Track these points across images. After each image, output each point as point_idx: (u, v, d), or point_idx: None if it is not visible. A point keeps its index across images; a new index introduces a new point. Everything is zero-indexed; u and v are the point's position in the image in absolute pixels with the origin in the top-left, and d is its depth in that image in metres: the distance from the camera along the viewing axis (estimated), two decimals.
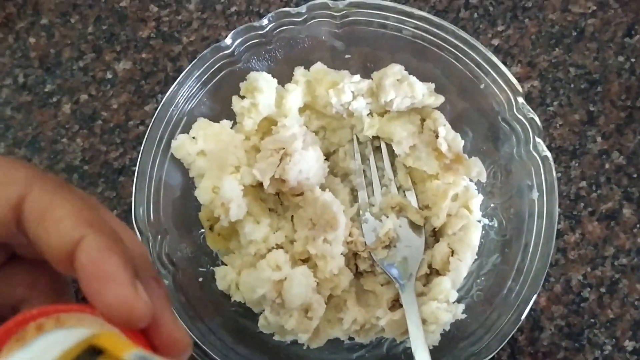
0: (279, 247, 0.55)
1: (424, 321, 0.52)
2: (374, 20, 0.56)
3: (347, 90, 0.56)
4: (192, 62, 0.55)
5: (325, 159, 0.57)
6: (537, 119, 0.53)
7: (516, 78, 0.54)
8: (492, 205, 0.57)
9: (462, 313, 0.53)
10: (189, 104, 0.56)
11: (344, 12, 0.55)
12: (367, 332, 0.55)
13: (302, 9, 0.55)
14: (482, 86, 0.55)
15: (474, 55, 0.54)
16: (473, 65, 0.55)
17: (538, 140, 0.52)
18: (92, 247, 0.24)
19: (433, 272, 0.56)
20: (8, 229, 0.25)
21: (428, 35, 0.55)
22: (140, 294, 0.24)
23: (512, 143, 0.54)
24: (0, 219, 0.25)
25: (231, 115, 0.57)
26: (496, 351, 0.50)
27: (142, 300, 0.24)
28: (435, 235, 0.58)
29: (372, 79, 0.57)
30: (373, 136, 0.58)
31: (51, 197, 0.25)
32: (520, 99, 0.53)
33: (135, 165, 0.54)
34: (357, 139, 0.59)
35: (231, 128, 0.57)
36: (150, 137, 0.54)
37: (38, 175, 0.26)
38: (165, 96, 0.55)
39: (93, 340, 0.22)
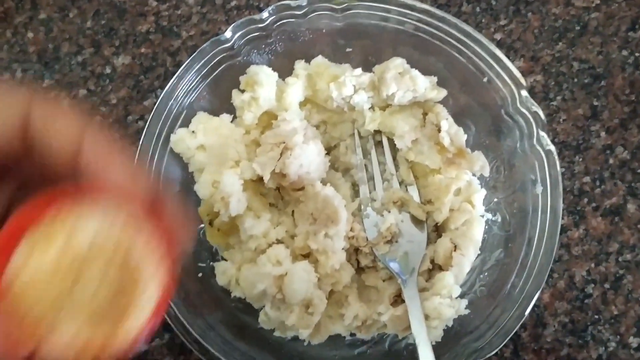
0: (279, 242, 0.54)
1: (426, 317, 0.51)
2: (375, 14, 0.56)
3: (348, 84, 0.55)
4: (192, 55, 0.55)
5: (326, 154, 0.57)
6: (540, 112, 0.52)
7: (519, 72, 0.53)
8: (495, 199, 0.57)
9: (465, 309, 0.53)
10: (188, 98, 0.55)
11: (345, 5, 0.55)
12: (368, 328, 0.54)
13: (303, 1, 0.55)
14: (485, 79, 0.54)
15: (476, 48, 0.54)
16: (476, 58, 0.54)
17: (542, 133, 0.52)
18: (95, 143, 0.28)
19: (435, 268, 0.55)
20: (15, 143, 0.28)
21: (430, 29, 0.55)
22: (143, 172, 0.29)
23: (516, 137, 0.54)
24: (10, 134, 0.28)
25: (231, 109, 0.57)
26: (499, 347, 0.49)
27: (145, 176, 0.29)
28: (438, 230, 0.57)
29: (373, 73, 0.57)
30: (375, 130, 0.58)
31: (52, 110, 0.28)
32: (524, 92, 0.52)
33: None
34: (359, 133, 0.59)
35: (231, 122, 0.56)
36: (150, 131, 0.54)
37: (37, 93, 0.29)
38: (165, 90, 0.54)
39: None
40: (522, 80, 0.53)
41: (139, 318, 0.25)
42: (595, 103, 0.63)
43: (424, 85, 0.55)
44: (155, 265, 0.26)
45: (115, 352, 0.25)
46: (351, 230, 0.54)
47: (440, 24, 0.54)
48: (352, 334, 0.55)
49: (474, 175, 0.57)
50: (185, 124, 0.55)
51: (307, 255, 0.54)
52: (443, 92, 0.56)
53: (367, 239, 0.55)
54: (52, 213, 0.25)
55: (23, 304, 0.24)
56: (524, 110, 0.53)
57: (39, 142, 0.28)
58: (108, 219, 0.26)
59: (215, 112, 0.56)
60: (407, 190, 0.57)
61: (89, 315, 0.25)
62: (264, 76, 0.55)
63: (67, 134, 0.28)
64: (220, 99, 0.57)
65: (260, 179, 0.54)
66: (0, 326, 0.24)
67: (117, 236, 0.26)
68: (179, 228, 0.28)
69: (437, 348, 0.50)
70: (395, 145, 0.57)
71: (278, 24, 0.56)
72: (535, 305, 0.51)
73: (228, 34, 0.55)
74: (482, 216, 0.56)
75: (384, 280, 0.55)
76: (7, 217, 0.28)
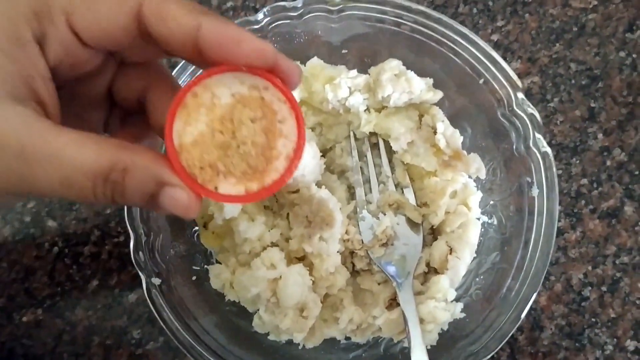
0: (274, 245, 0.54)
1: (421, 320, 0.51)
2: (371, 15, 0.55)
3: (343, 86, 0.55)
4: None
5: (322, 156, 0.56)
6: (537, 114, 0.52)
7: (516, 74, 0.53)
8: (491, 202, 0.56)
9: (461, 312, 0.53)
10: None
11: (341, 6, 0.54)
12: (363, 332, 0.54)
13: (298, 3, 0.54)
14: (481, 81, 0.54)
15: (473, 50, 0.53)
16: (472, 60, 0.54)
17: (538, 136, 0.51)
18: (213, 25, 0.30)
19: (431, 271, 0.55)
20: (131, 33, 0.31)
21: (426, 30, 0.54)
22: (264, 41, 0.31)
23: (512, 139, 0.53)
24: (127, 26, 0.31)
25: None
26: (495, 351, 0.49)
27: (268, 44, 0.30)
28: (434, 233, 0.57)
29: (369, 74, 0.56)
30: (370, 132, 0.57)
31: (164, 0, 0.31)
32: (520, 95, 0.52)
33: None
34: (354, 135, 0.58)
35: None
36: None
37: None
38: None
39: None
40: (519, 82, 0.53)
41: (288, 147, 0.31)
42: (593, 105, 0.63)
43: (420, 87, 0.54)
44: (286, 105, 0.31)
45: (273, 184, 0.31)
46: (346, 233, 0.54)
47: (436, 26, 0.54)
48: (347, 338, 0.55)
49: (470, 177, 0.56)
50: None
51: (301, 259, 0.53)
52: (439, 94, 0.55)
53: (363, 242, 0.55)
54: (192, 90, 0.30)
55: (196, 159, 0.30)
56: (520, 113, 0.52)
57: (154, 32, 0.30)
58: (239, 78, 0.31)
59: None
60: (402, 192, 0.57)
61: (251, 162, 0.31)
62: None
63: (183, 23, 0.30)
64: None
65: None
66: (185, 176, 0.30)
67: (251, 89, 0.31)
68: (292, 76, 0.32)
69: (433, 352, 0.50)
70: (391, 147, 0.56)
71: (273, 25, 0.55)
72: (532, 309, 0.50)
73: None
74: (478, 219, 0.56)
75: (379, 284, 0.55)
76: (110, 94, 0.36)
